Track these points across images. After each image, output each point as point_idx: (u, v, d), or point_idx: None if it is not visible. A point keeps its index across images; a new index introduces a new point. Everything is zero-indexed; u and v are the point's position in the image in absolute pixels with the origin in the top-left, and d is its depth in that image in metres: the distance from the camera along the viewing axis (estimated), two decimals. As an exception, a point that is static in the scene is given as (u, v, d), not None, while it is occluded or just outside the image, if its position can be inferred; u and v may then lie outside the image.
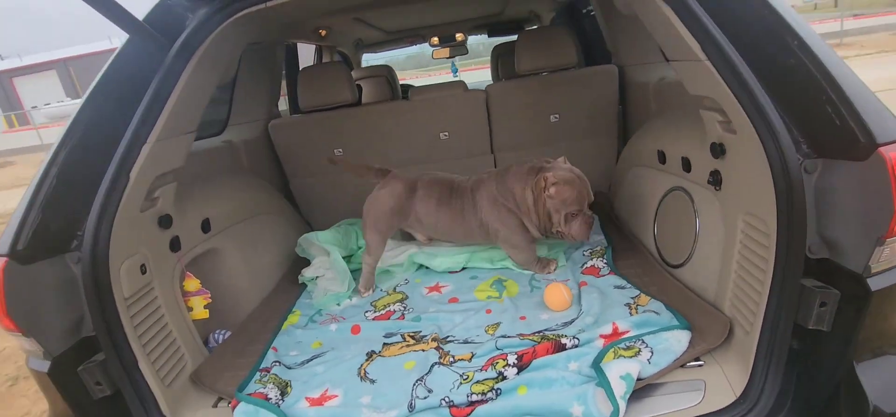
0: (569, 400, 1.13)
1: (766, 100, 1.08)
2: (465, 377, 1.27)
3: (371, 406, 1.22)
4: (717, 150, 1.32)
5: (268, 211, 2.14)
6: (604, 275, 1.71)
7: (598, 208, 2.29)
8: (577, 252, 1.91)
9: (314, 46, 3.75)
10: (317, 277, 1.98)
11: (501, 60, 3.67)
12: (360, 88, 2.70)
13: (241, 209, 1.93)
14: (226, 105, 2.42)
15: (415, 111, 2.44)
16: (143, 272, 1.33)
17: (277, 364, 1.46)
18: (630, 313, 1.44)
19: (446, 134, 2.47)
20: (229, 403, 1.32)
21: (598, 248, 1.89)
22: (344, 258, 1.98)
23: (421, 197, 1.87)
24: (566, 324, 1.47)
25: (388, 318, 1.66)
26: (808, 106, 1.05)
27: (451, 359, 1.36)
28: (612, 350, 1.26)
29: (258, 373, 1.43)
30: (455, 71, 5.40)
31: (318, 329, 1.67)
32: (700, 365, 1.23)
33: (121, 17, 1.25)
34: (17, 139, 17.67)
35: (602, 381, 1.15)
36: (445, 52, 4.73)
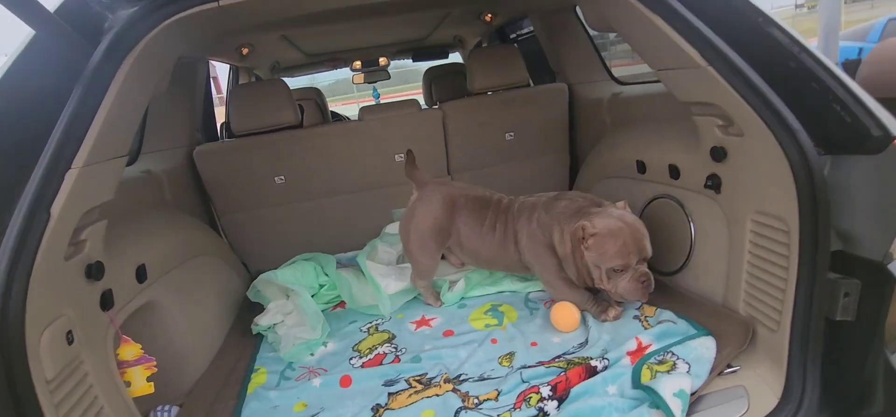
0: (626, 429, 1.03)
1: (778, 100, 1.11)
2: (501, 419, 1.11)
3: (402, 473, 1.00)
4: (719, 154, 1.34)
5: (205, 252, 1.78)
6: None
7: None
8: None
9: (228, 68, 3.37)
10: (274, 325, 1.68)
11: (436, 83, 3.61)
12: (302, 109, 2.44)
13: (177, 252, 1.58)
14: (138, 129, 2.01)
15: (368, 132, 2.26)
16: (70, 341, 0.98)
17: (258, 439, 1.17)
18: (643, 326, 1.40)
19: (401, 156, 2.31)
20: None
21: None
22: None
23: (464, 217, 1.68)
24: (582, 345, 1.38)
25: (381, 363, 1.44)
26: (815, 105, 1.09)
27: (476, 401, 1.20)
28: (646, 366, 1.19)
29: (232, 457, 1.12)
30: (377, 96, 5.25)
31: (297, 387, 1.38)
32: (735, 371, 1.21)
33: (25, 8, 0.94)
34: None
35: (656, 401, 1.07)
36: (361, 77, 4.58)
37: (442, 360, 1.39)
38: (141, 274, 1.32)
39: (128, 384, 1.17)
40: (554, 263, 1.53)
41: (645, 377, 1.16)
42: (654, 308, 1.47)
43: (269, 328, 1.67)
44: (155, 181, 1.91)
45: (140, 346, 1.20)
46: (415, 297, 1.81)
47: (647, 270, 1.42)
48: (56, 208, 0.94)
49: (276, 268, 1.82)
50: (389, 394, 1.27)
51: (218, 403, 1.34)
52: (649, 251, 1.42)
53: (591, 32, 2.50)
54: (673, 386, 1.08)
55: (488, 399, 1.20)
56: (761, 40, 1.14)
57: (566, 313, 1.47)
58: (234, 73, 3.39)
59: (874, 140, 1.02)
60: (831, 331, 1.12)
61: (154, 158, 2.01)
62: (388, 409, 1.22)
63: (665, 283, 1.60)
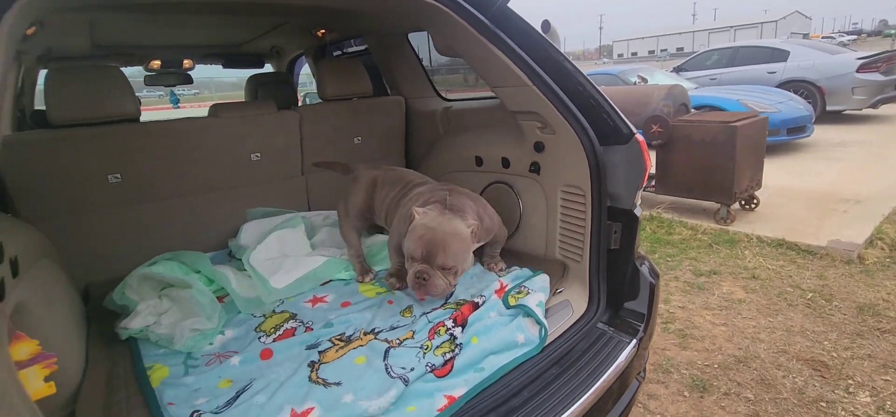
0: (512, 333, 1.46)
1: (576, 109, 1.74)
2: (424, 347, 1.41)
3: (360, 399, 1.20)
4: (539, 147, 1.93)
5: (48, 255, 1.52)
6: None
7: None
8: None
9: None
10: (147, 327, 1.56)
11: (261, 91, 3.57)
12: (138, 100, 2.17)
13: (29, 251, 1.34)
14: None
15: (220, 129, 2.21)
16: None
17: (198, 413, 1.17)
18: (498, 275, 1.87)
19: (258, 155, 2.33)
20: None
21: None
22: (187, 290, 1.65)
23: (381, 191, 2.04)
24: (461, 294, 1.78)
25: (294, 335, 1.54)
26: (592, 114, 1.75)
27: (398, 341, 1.45)
28: (510, 296, 1.65)
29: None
30: (175, 102, 4.70)
31: (212, 369, 1.37)
32: (561, 292, 1.78)
33: None
34: None
35: (528, 312, 1.53)
36: (164, 79, 4.12)
37: (352, 323, 1.59)
38: (15, 268, 1.13)
39: (25, 388, 1.03)
40: (403, 230, 1.73)
41: (512, 301, 1.61)
42: (501, 265, 1.96)
43: (141, 330, 1.55)
44: None
45: (37, 341, 1.06)
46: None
47: (426, 271, 1.53)
48: None
49: (112, 280, 1.70)
50: (319, 352, 1.41)
51: (115, 408, 1.24)
52: (439, 260, 1.54)
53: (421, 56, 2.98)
54: (534, 300, 1.56)
55: (407, 339, 1.47)
56: (559, 69, 1.75)
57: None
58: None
59: (624, 135, 1.72)
60: (609, 257, 1.78)
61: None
62: (322, 364, 1.37)
63: (504, 246, 2.13)
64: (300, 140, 2.47)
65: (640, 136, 1.71)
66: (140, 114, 2.05)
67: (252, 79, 3.69)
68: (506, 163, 2.14)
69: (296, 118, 2.42)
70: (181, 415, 1.18)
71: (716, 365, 2.50)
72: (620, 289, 1.77)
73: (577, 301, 1.75)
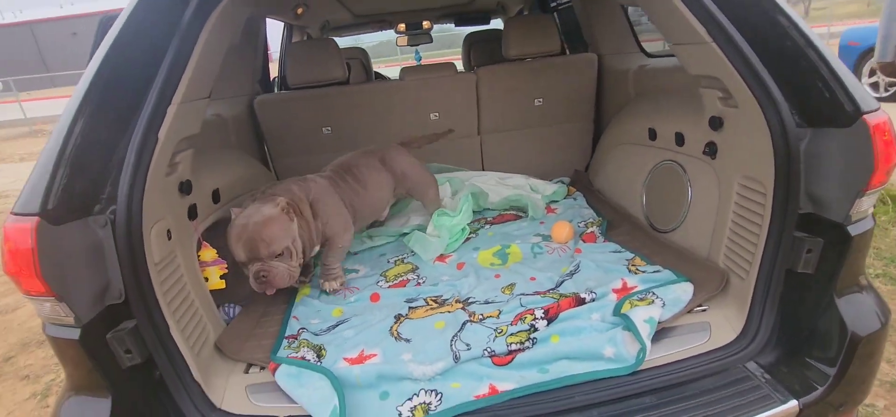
0: (601, 344, 1.25)
1: (768, 77, 1.25)
2: (498, 331, 1.36)
3: (414, 361, 1.27)
4: (716, 123, 1.49)
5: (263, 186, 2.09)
6: (599, 242, 1.86)
7: (580, 185, 2.46)
8: (573, 222, 2.05)
9: (283, 27, 3.65)
10: (317, 254, 1.98)
11: (473, 48, 3.77)
12: (349, 66, 2.69)
13: (243, 182, 1.89)
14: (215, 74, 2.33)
15: (407, 91, 2.48)
16: (169, 237, 1.29)
17: (304, 331, 1.47)
18: (630, 272, 1.59)
19: (437, 114, 2.53)
20: (262, 368, 1.32)
21: (592, 219, 2.05)
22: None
23: None
24: (572, 274, 1.60)
25: (404, 287, 1.71)
26: (801, 81, 1.22)
27: (481, 317, 1.44)
28: (628, 301, 1.39)
29: (285, 340, 1.42)
30: (418, 58, 5.44)
31: (334, 298, 1.68)
32: (704, 310, 1.39)
33: None
34: None
35: (628, 325, 1.28)
36: (405, 40, 4.76)
37: (455, 287, 1.64)
38: (216, 196, 1.63)
39: (206, 280, 1.49)
40: None
41: (626, 308, 1.36)
42: (643, 260, 1.65)
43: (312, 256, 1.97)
44: (222, 124, 2.22)
45: (215, 251, 1.51)
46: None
47: (263, 268, 1.48)
48: (162, 133, 1.23)
49: None
50: (409, 308, 1.54)
51: (271, 306, 1.65)
52: (263, 252, 1.48)
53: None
54: (644, 314, 1.28)
55: (490, 317, 1.44)
56: (765, 20, 1.25)
57: (564, 227, 1.91)
58: (288, 32, 3.66)
59: (846, 114, 1.16)
60: (792, 282, 1.28)
61: (221, 104, 2.32)
62: (407, 319, 1.49)
63: (659, 239, 1.77)
64: (477, 101, 2.54)
65: (876, 119, 1.13)
66: (347, 79, 2.49)
67: (467, 37, 3.91)
68: (680, 139, 1.73)
69: (472, 80, 2.49)
70: (295, 327, 1.49)
71: None
72: (802, 332, 1.27)
73: (721, 326, 1.34)
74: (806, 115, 1.23)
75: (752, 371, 1.25)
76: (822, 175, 1.21)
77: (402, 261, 1.91)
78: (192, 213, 1.46)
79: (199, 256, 1.48)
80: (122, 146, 1.19)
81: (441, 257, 1.90)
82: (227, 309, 1.62)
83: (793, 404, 1.14)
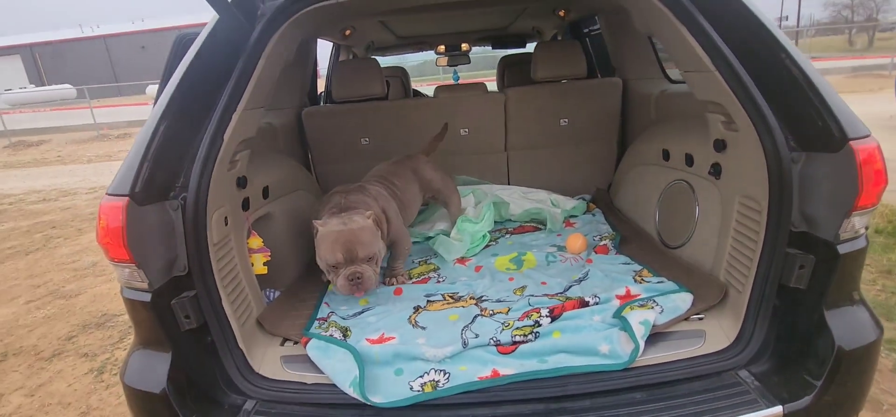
0: (597, 340, 1.37)
1: (764, 104, 1.35)
2: (506, 324, 1.49)
3: (428, 345, 1.43)
4: (720, 146, 1.59)
5: (306, 188, 2.33)
6: (611, 255, 1.97)
7: (600, 203, 2.56)
8: (589, 236, 2.16)
9: (332, 46, 3.96)
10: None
11: (508, 70, 3.94)
12: (388, 84, 2.92)
13: (288, 183, 2.12)
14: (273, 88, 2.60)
15: (439, 107, 2.68)
16: (226, 223, 1.51)
17: (333, 314, 1.66)
18: (636, 282, 1.69)
19: (466, 130, 2.71)
20: (296, 342, 1.51)
21: (607, 234, 2.15)
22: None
23: None
24: (580, 281, 1.72)
25: (426, 283, 1.87)
26: (795, 108, 1.32)
27: (491, 312, 1.59)
28: (629, 306, 1.50)
29: (316, 321, 1.61)
30: (456, 79, 5.66)
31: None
32: (701, 319, 1.48)
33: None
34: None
35: (625, 326, 1.39)
36: (444, 60, 5.00)
37: (471, 287, 1.79)
38: (266, 192, 1.85)
39: (252, 264, 1.71)
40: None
41: (625, 312, 1.47)
42: (651, 272, 1.74)
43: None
44: (273, 132, 2.48)
45: (262, 240, 1.73)
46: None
47: (359, 269, 1.62)
48: (226, 135, 1.46)
49: None
50: (428, 301, 1.70)
51: (307, 293, 1.85)
52: (361, 254, 1.63)
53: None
54: (640, 316, 1.39)
55: (500, 313, 1.58)
56: (765, 52, 1.36)
57: (578, 239, 2.01)
58: (336, 51, 3.97)
59: (834, 140, 1.25)
60: (786, 296, 1.36)
61: (273, 114, 2.59)
62: (425, 310, 1.65)
63: (668, 255, 1.86)
64: (505, 120, 2.70)
65: (862, 145, 1.22)
66: (386, 95, 2.71)
67: (502, 59, 4.09)
68: (689, 160, 1.83)
69: (501, 100, 2.66)
70: (325, 312, 1.68)
71: None
72: (793, 343, 1.34)
73: (716, 334, 1.43)
74: (800, 140, 1.33)
75: (743, 378, 1.33)
76: (813, 196, 1.30)
77: (426, 262, 2.08)
78: (245, 205, 1.68)
79: (248, 243, 1.70)
80: (195, 144, 1.43)
81: (461, 260, 2.06)
82: (268, 292, 1.83)
83: (777, 409, 1.22)
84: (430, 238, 2.27)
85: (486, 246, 2.19)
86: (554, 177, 2.79)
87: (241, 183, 1.63)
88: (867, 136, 1.25)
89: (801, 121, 1.32)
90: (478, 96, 2.67)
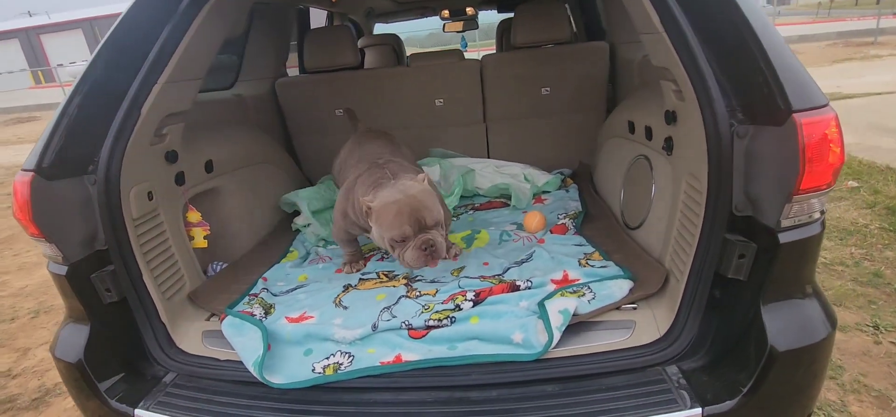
0: (512, 329, 1.28)
1: (707, 70, 1.18)
2: (426, 307, 1.43)
3: (341, 326, 1.39)
4: (670, 118, 1.43)
5: (269, 161, 2.31)
6: (569, 234, 1.85)
7: (581, 177, 2.42)
8: (553, 213, 2.05)
9: (326, 13, 3.88)
10: (308, 224, 2.15)
11: (506, 35, 3.75)
12: (362, 53, 2.84)
13: (244, 156, 2.10)
14: (237, 61, 2.58)
15: (412, 76, 2.57)
16: (150, 198, 1.51)
17: (265, 291, 1.65)
18: (580, 265, 1.58)
19: (441, 101, 2.60)
20: (220, 317, 1.51)
21: (573, 212, 2.03)
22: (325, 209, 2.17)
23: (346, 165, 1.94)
24: (519, 264, 1.63)
25: (369, 261, 1.83)
26: (745, 77, 1.15)
27: (418, 293, 1.53)
28: (560, 292, 1.40)
29: (247, 297, 1.61)
30: (464, 46, 5.48)
31: (308, 267, 1.84)
32: (634, 308, 1.37)
33: None
34: (42, 95, 18.15)
35: (542, 314, 1.30)
36: (458, 25, 4.81)
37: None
38: (209, 167, 1.84)
39: (192, 238, 1.71)
40: (340, 220, 1.72)
41: (554, 298, 1.37)
42: (601, 256, 1.62)
43: (305, 225, 2.15)
44: (242, 103, 2.46)
45: (200, 214, 1.73)
46: None
47: (431, 237, 1.43)
48: (144, 109, 1.44)
49: None
50: (360, 280, 1.66)
51: (253, 266, 1.85)
52: (429, 220, 1.44)
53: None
54: (560, 305, 1.30)
55: (427, 294, 1.52)
56: (717, 12, 1.19)
57: (535, 217, 1.92)
58: (330, 19, 3.89)
59: (779, 112, 1.08)
60: (725, 287, 1.22)
61: (246, 85, 2.56)
62: (355, 289, 1.61)
63: (625, 236, 1.72)
64: (481, 89, 2.57)
65: (808, 117, 1.05)
66: (360, 64, 2.63)
67: (500, 23, 3.89)
68: (649, 133, 1.67)
69: (477, 67, 2.52)
70: (260, 287, 1.67)
71: None
72: (728, 339, 1.22)
73: (647, 326, 1.31)
74: (748, 112, 1.17)
75: (669, 375, 1.22)
76: (759, 176, 1.15)
77: (379, 239, 2.03)
78: (181, 179, 1.67)
79: (186, 218, 1.70)
80: (112, 118, 1.41)
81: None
82: (213, 266, 1.84)
83: (696, 412, 1.11)
84: None
85: (448, 221, 2.11)
86: (536, 150, 2.65)
87: (171, 157, 1.61)
88: (820, 108, 1.07)
89: (751, 90, 1.15)
90: (453, 64, 2.54)
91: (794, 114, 1.05)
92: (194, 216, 1.72)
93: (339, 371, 1.26)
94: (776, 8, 18.33)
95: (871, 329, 2.28)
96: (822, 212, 1.18)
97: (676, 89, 1.38)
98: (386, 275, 1.68)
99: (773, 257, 1.13)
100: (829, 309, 1.21)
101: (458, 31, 5.00)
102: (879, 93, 7.04)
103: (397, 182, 1.52)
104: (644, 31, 1.41)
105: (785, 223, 1.12)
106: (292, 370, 1.29)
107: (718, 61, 1.19)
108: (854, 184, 3.97)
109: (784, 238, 1.11)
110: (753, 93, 1.14)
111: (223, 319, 1.44)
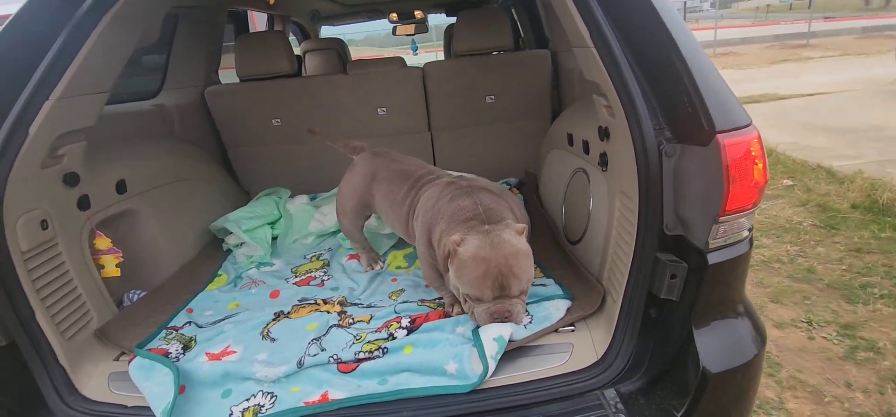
0: (446, 359, 1.22)
1: (635, 88, 1.16)
2: (358, 337, 1.35)
3: (265, 362, 1.28)
4: (603, 133, 1.41)
5: (195, 177, 2.15)
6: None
7: (528, 188, 2.39)
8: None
9: (266, 16, 3.71)
10: (241, 244, 2.02)
11: (453, 40, 3.71)
12: (299, 59, 2.71)
13: (164, 173, 1.94)
14: (161, 70, 2.40)
15: (352, 85, 2.47)
16: (44, 227, 1.35)
17: (189, 323, 1.51)
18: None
19: (384, 109, 2.51)
20: (128, 358, 1.37)
21: (515, 225, 1.99)
22: (269, 224, 2.03)
23: (381, 188, 1.73)
24: None
25: (308, 284, 1.72)
26: (672, 96, 1.14)
27: (351, 320, 1.44)
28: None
29: (164, 331, 1.47)
30: (415, 49, 5.41)
31: (239, 292, 1.72)
32: (572, 331, 1.34)
33: None
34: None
35: (477, 343, 1.24)
36: (409, 28, 4.72)
37: (344, 287, 1.65)
38: (121, 187, 1.68)
39: (101, 267, 1.56)
40: (429, 253, 1.48)
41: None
42: (543, 274, 1.59)
43: (237, 246, 2.02)
44: (165, 114, 2.29)
45: (110, 240, 1.57)
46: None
47: (510, 308, 1.27)
48: (33, 128, 1.28)
49: None
50: (294, 306, 1.56)
51: (176, 294, 1.71)
52: (515, 289, 1.27)
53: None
54: (494, 332, 1.24)
55: (361, 321, 1.44)
56: (645, 29, 1.17)
57: None
58: (270, 22, 3.71)
59: (704, 132, 1.07)
60: (659, 308, 1.20)
61: (170, 95, 2.39)
62: (286, 317, 1.50)
63: (567, 252, 1.70)
64: (425, 97, 2.50)
65: (732, 138, 1.04)
66: (296, 71, 2.51)
67: (447, 28, 3.85)
68: (586, 147, 1.65)
69: (419, 75, 2.45)
70: (182, 319, 1.54)
71: None
72: (663, 361, 1.20)
73: (585, 348, 1.28)
74: (676, 131, 1.15)
75: (607, 399, 1.19)
76: (687, 194, 1.14)
77: (318, 258, 1.92)
78: (85, 203, 1.51)
79: (93, 245, 1.54)
80: None
81: (355, 255, 1.91)
82: (130, 295, 1.69)
83: None
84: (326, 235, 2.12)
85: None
86: (484, 159, 2.61)
87: (70, 180, 1.45)
88: (743, 128, 1.07)
89: (677, 109, 1.14)
90: (394, 71, 2.46)
91: (719, 135, 1.04)
92: (103, 242, 1.57)
93: (259, 414, 1.15)
94: (719, 11, 19.24)
95: (805, 325, 2.38)
96: (750, 231, 1.19)
97: (607, 105, 1.36)
98: (323, 301, 1.58)
99: (702, 278, 1.12)
100: (759, 325, 1.22)
101: (409, 35, 4.93)
102: (812, 94, 7.49)
103: (493, 230, 1.31)
104: (576, 44, 1.39)
105: (713, 243, 1.11)
106: (208, 415, 1.18)
107: (647, 79, 1.18)
108: (789, 182, 4.17)
109: (713, 258, 1.10)
110: (680, 112, 1.13)
111: (131, 360, 1.31)
